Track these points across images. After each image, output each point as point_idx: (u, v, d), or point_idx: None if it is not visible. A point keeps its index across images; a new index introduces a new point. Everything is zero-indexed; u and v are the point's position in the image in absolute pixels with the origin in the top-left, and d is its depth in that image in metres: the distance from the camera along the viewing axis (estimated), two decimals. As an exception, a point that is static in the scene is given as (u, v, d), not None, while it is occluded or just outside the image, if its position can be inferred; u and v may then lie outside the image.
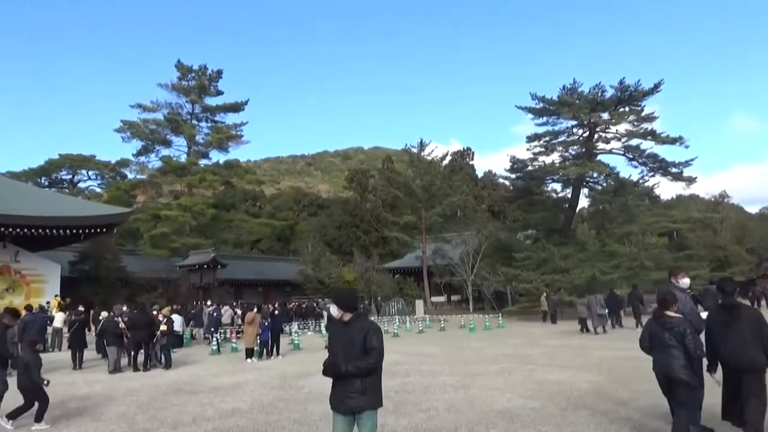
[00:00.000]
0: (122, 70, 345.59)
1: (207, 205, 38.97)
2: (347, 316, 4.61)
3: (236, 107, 43.92)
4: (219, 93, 43.80)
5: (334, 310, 4.71)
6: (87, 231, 27.33)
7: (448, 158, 55.08)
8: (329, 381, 4.63)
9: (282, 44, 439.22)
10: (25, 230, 24.71)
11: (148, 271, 36.23)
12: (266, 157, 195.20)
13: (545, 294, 29.25)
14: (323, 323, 25.97)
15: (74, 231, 26.64)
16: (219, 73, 43.44)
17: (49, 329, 19.10)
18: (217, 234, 41.94)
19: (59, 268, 28.67)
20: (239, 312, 24.98)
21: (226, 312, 23.74)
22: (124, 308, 16.14)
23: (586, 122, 36.34)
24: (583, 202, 43.30)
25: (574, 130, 37.63)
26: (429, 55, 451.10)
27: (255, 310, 16.72)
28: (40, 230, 25.13)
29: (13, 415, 8.12)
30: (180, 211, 36.61)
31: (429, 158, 46.90)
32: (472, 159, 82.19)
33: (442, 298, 50.10)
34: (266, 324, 16.42)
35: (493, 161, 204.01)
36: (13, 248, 26.19)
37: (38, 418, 8.19)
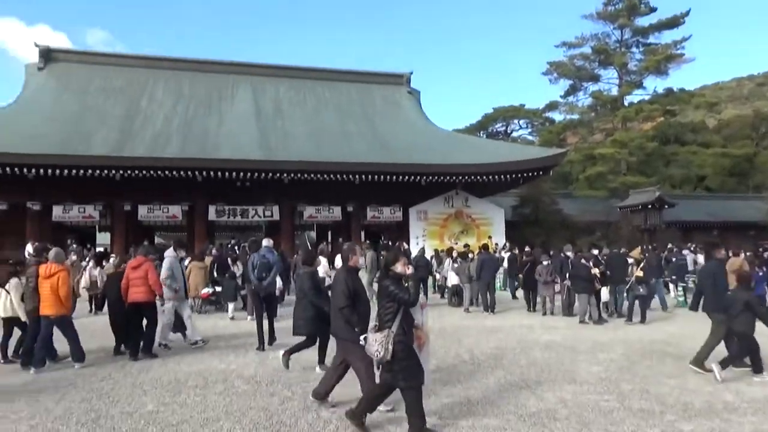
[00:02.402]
0: (543, 13, 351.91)
1: (646, 138, 34.64)
2: None
3: (674, 22, 37.38)
4: (652, 10, 38.14)
5: None
6: (526, 175, 27.49)
7: None
8: None
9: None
10: (473, 177, 26.30)
11: (584, 213, 34.86)
12: (702, 84, 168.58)
13: None
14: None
15: (514, 175, 27.10)
16: (650, -14, 37.76)
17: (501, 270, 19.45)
18: (658, 171, 37.18)
19: (503, 212, 29.92)
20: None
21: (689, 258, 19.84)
22: (594, 251, 14.07)
23: None
24: None
25: None
26: None
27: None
28: (485, 177, 26.37)
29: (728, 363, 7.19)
30: (616, 148, 33.56)
31: None
32: None
33: None
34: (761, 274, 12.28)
35: None
36: (463, 194, 28.37)
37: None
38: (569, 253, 13.60)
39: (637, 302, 12.37)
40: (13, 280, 8.18)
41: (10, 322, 8.20)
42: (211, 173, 22.67)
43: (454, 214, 28.29)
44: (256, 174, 23.20)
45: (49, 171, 21.05)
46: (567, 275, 12.90)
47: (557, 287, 13.61)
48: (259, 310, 9.36)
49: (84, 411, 5.56)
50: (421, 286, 15.88)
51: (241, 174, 23.14)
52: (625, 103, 36.82)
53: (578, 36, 39.26)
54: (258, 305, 9.44)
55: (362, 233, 27.01)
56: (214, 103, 29.20)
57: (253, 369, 7.43)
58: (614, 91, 38.21)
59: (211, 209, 24.60)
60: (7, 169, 20.60)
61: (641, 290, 12.24)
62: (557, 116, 47.60)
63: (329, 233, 30.20)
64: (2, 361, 8.16)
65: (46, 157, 20.95)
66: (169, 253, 9.58)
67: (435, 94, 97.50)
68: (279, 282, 11.28)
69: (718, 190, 50.44)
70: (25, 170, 20.84)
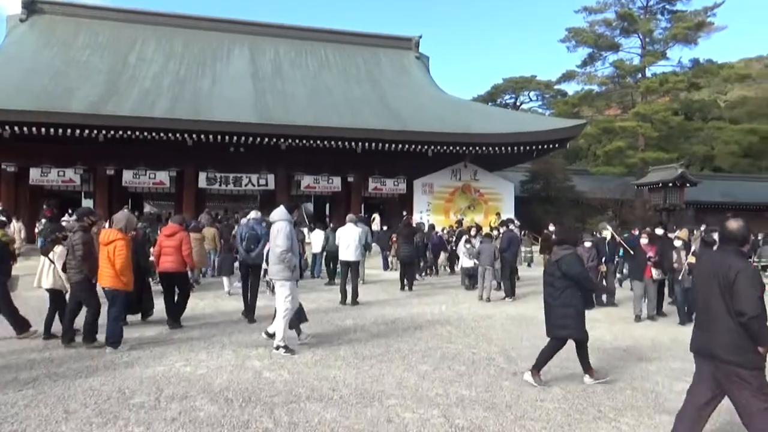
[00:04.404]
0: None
1: (671, 112, 32.54)
2: None
3: (704, -13, 34.94)
4: (680, -27, 35.61)
5: None
6: (541, 147, 25.65)
7: None
8: None
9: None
10: (484, 149, 24.47)
11: (597, 190, 33.14)
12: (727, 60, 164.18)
13: None
14: None
15: (529, 147, 25.26)
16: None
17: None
18: (678, 147, 35.17)
19: (512, 188, 28.20)
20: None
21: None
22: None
23: None
24: None
25: None
26: None
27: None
28: (498, 148, 24.55)
29: None
30: (638, 121, 31.47)
31: None
32: None
33: None
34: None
35: None
36: (472, 167, 26.61)
37: None
38: (606, 233, 11.81)
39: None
40: (59, 248, 7.28)
41: (56, 294, 7.35)
42: (202, 137, 20.81)
43: (462, 188, 26.57)
44: (251, 139, 21.31)
45: (26, 129, 19.13)
46: (603, 260, 11.13)
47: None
48: (245, 281, 9.06)
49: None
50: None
51: (235, 138, 21.22)
52: (648, 74, 34.64)
53: (600, 1, 36.82)
54: (245, 277, 9.12)
55: (362, 206, 25.25)
56: (208, 63, 27.14)
57: (226, 376, 5.66)
58: (635, 61, 36.00)
59: (202, 176, 22.78)
60: (-21, 125, 18.71)
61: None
62: (570, 88, 45.39)
63: (327, 205, 28.46)
64: (43, 336, 7.18)
65: (22, 114, 19.01)
66: (282, 215, 6.87)
67: (444, 61, 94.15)
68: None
69: (730, 170, 48.48)
70: (-1, 127, 18.94)
